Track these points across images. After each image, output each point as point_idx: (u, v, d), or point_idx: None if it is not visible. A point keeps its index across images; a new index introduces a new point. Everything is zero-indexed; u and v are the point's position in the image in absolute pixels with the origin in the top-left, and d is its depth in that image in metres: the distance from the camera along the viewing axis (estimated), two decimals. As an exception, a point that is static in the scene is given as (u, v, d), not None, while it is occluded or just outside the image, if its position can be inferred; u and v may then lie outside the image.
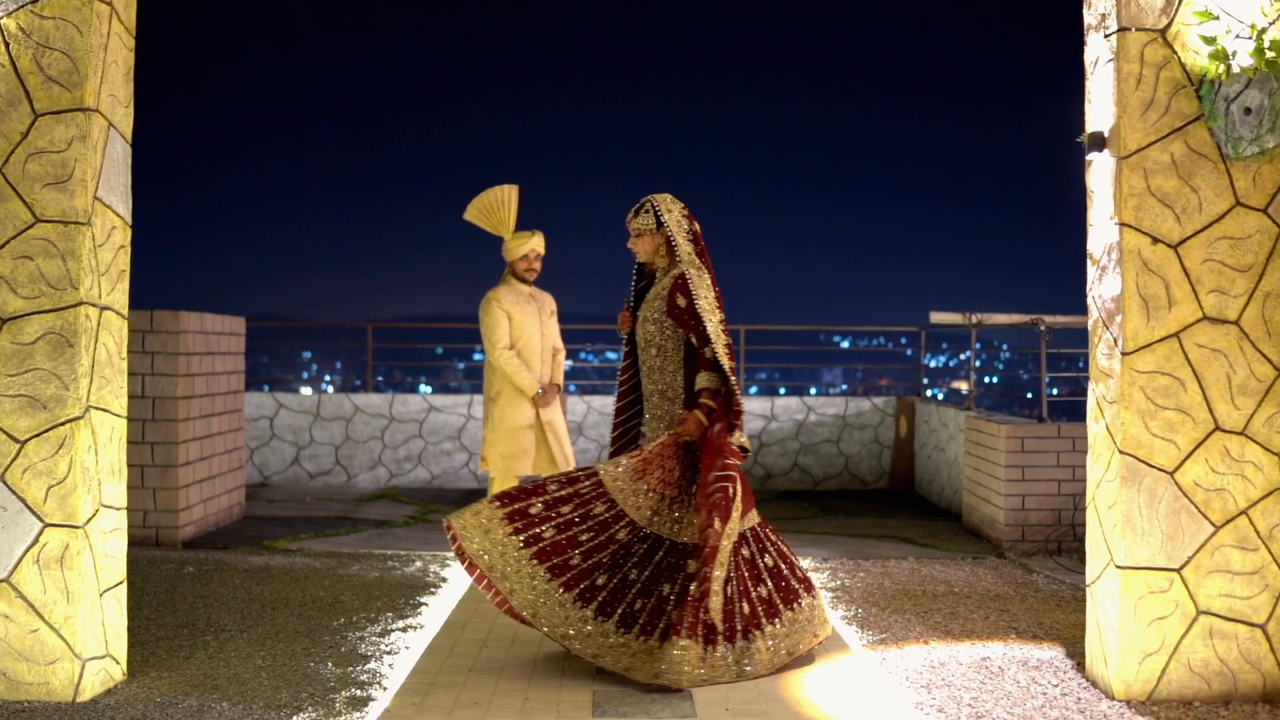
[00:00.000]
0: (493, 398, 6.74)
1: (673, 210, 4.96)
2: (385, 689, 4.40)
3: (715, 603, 4.46)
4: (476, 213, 6.79)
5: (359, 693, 4.34)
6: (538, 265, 6.84)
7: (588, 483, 4.80)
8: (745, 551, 4.77)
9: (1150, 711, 4.20)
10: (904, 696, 4.35)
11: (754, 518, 4.90)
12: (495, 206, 6.75)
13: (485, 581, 4.63)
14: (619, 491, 4.79)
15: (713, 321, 4.76)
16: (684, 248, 4.90)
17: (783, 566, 4.84)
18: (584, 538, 4.72)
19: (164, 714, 4.06)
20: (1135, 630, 4.31)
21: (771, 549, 4.87)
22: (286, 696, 4.27)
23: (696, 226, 4.99)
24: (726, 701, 4.27)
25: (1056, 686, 4.48)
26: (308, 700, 4.23)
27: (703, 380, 4.80)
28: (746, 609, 4.65)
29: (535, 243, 6.79)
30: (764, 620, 4.66)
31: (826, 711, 4.19)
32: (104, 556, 4.36)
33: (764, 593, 4.72)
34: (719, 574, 4.48)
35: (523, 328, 6.71)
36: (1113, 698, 4.32)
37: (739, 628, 4.59)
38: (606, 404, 11.13)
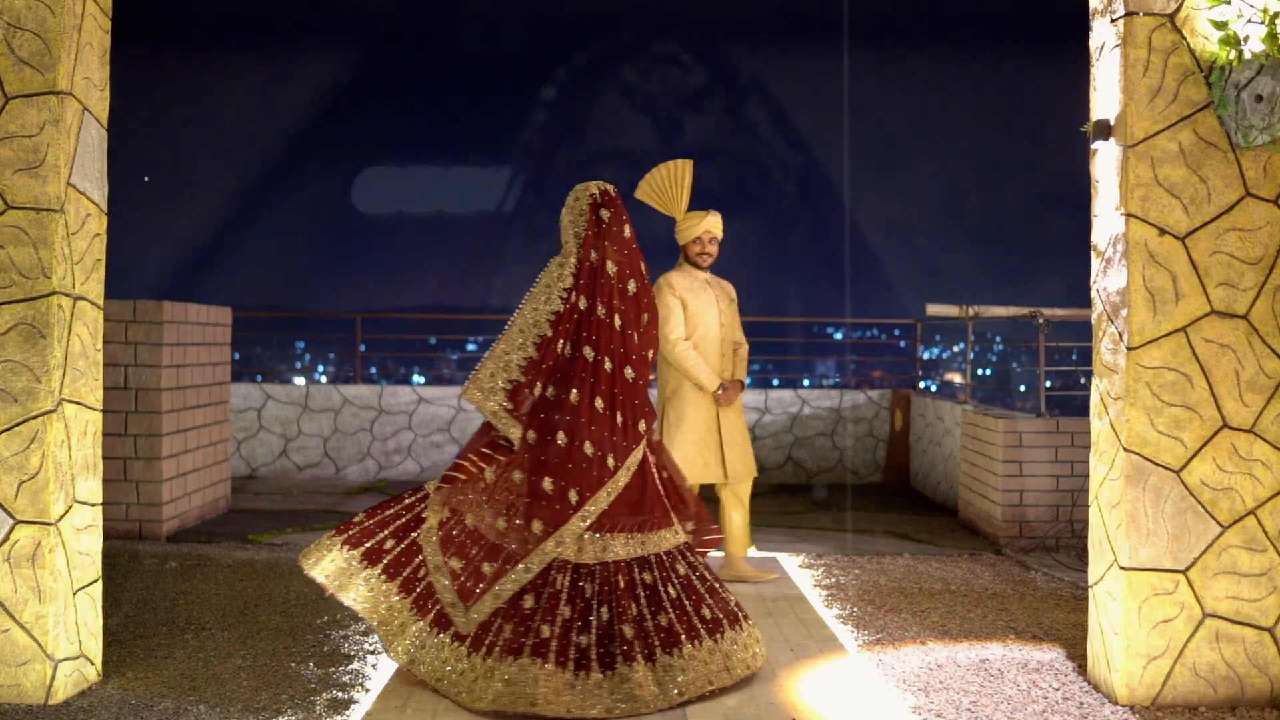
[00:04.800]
0: (668, 396, 6.14)
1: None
2: (368, 690, 4.27)
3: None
4: (649, 190, 6.09)
5: (340, 695, 4.21)
6: (713, 249, 6.20)
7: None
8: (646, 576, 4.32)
9: (1154, 717, 4.08)
10: (901, 700, 4.23)
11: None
12: (667, 184, 6.04)
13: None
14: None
15: None
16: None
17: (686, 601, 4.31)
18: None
19: (138, 717, 3.93)
20: (1139, 633, 4.19)
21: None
22: (266, 698, 4.14)
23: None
24: (720, 706, 4.14)
25: (1058, 690, 4.36)
26: (287, 703, 4.10)
27: None
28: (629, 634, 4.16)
29: (710, 223, 6.17)
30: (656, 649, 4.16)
31: (822, 715, 4.07)
32: (78, 554, 4.22)
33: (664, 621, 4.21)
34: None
35: (700, 317, 6.09)
36: (1116, 702, 4.21)
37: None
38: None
